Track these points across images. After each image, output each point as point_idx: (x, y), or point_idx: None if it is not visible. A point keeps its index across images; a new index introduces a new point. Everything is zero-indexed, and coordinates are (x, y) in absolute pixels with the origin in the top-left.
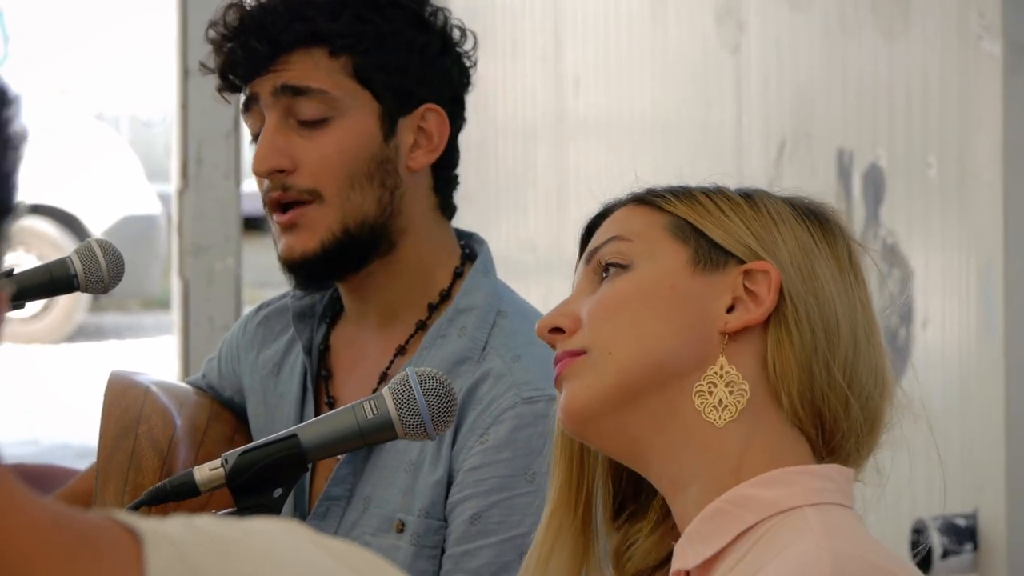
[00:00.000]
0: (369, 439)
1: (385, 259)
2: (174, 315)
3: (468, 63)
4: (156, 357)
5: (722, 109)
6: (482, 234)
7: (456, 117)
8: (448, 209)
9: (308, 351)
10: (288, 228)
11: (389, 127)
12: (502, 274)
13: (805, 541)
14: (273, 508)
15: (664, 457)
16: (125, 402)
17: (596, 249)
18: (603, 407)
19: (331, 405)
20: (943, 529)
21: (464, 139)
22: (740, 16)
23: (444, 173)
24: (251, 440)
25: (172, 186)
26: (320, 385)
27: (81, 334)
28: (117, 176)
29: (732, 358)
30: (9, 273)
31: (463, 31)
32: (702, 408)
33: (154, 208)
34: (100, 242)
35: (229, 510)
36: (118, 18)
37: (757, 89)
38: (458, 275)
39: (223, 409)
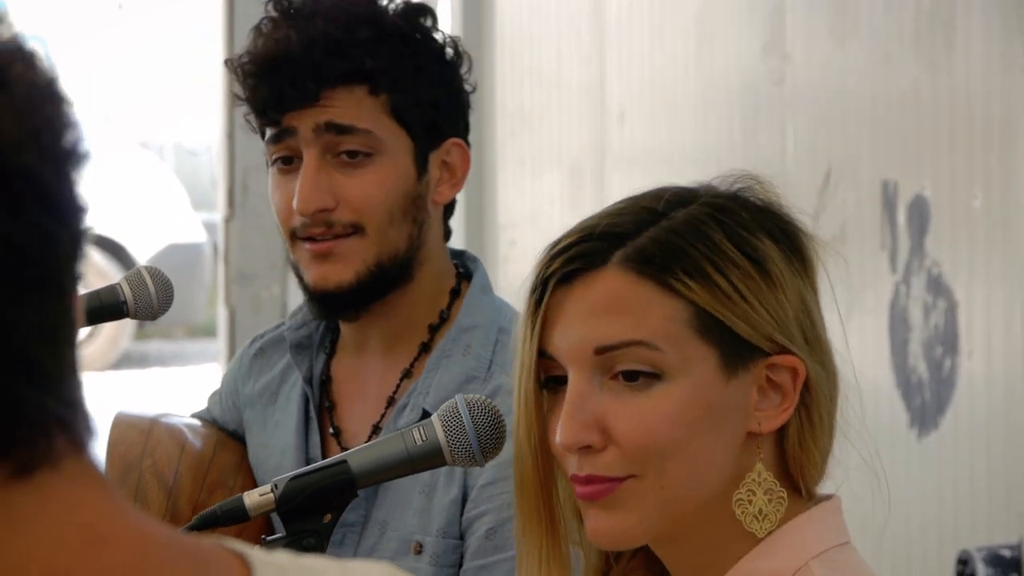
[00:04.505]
0: (418, 465)
1: (403, 289)
2: (219, 343)
3: (469, 88)
4: (201, 385)
5: (767, 141)
6: (522, 266)
7: (468, 145)
8: (447, 234)
9: (308, 381)
10: (322, 257)
11: (422, 164)
12: None
13: None
14: (322, 533)
15: (689, 554)
16: (129, 439)
17: (610, 348)
18: (651, 537)
19: (336, 436)
20: (988, 560)
21: (505, 168)
22: (785, 48)
23: (453, 202)
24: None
25: (217, 214)
26: (324, 416)
27: (126, 361)
28: (162, 204)
29: (764, 460)
30: None
31: (463, 55)
32: (743, 518)
33: (199, 236)
34: (149, 269)
35: (279, 535)
36: (163, 46)
37: (802, 120)
38: (455, 294)
39: (228, 438)
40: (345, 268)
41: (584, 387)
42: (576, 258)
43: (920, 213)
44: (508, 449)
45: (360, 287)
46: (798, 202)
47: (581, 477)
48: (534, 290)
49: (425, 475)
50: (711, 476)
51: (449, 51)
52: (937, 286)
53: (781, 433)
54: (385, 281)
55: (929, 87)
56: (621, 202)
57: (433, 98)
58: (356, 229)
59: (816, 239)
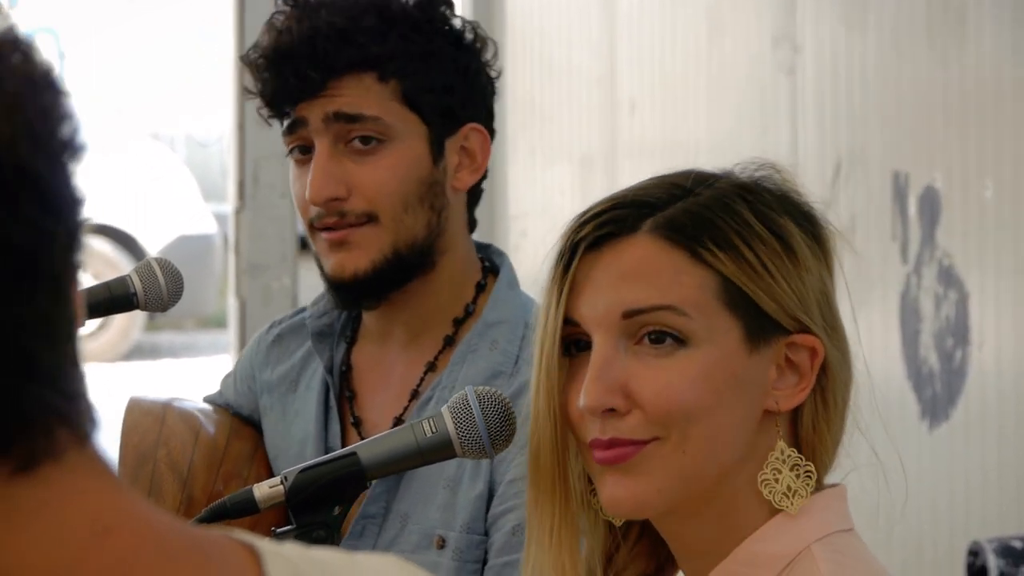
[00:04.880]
0: (428, 457)
1: (424, 278)
2: (230, 334)
3: (494, 74)
4: (211, 376)
5: (778, 131)
6: (536, 257)
7: (492, 132)
8: (472, 224)
9: (329, 370)
10: (338, 245)
11: (437, 150)
12: None
13: None
14: (332, 526)
15: (696, 533)
16: (143, 427)
17: (638, 312)
18: (668, 507)
19: (357, 426)
20: (999, 551)
21: (516, 160)
22: (796, 38)
23: (478, 190)
24: (268, 457)
25: (228, 206)
26: (344, 405)
27: (137, 353)
28: (173, 196)
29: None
30: None
31: (485, 40)
32: (772, 497)
33: (209, 228)
34: (159, 260)
35: (289, 527)
36: (175, 38)
37: (813, 111)
38: (480, 288)
39: (243, 426)
40: (361, 256)
41: (609, 351)
42: (607, 223)
43: (931, 204)
44: None
45: (377, 275)
46: (809, 193)
47: (603, 441)
48: (561, 256)
49: (450, 469)
50: (729, 448)
51: (468, 36)
52: (948, 277)
53: (795, 416)
54: (404, 269)
55: (940, 78)
56: (649, 179)
57: (447, 83)
58: (370, 218)
59: (833, 228)
